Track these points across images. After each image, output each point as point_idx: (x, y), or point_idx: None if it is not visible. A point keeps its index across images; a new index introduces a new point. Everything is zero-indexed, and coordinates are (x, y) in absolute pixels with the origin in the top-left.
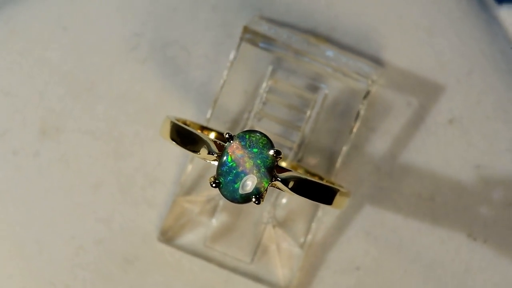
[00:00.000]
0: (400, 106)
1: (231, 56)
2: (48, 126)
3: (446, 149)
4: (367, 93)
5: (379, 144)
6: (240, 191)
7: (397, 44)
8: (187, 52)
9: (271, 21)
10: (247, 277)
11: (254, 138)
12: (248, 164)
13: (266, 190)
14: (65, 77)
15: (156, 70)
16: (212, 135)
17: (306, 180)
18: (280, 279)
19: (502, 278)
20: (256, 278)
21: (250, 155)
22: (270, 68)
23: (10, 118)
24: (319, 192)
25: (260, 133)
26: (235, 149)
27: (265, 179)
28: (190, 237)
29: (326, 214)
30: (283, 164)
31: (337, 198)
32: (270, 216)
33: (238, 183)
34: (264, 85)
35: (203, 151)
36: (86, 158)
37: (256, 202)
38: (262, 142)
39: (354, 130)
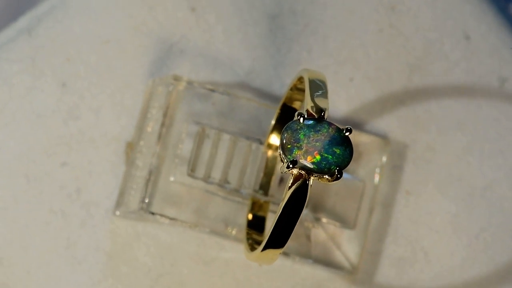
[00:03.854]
0: None
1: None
2: None
3: None
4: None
5: None
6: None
7: None
8: None
9: None
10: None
11: (290, 136)
12: (315, 142)
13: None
14: None
15: None
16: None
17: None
18: None
19: None
20: None
21: (304, 140)
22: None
23: None
24: None
25: (281, 136)
26: (305, 155)
27: (327, 125)
28: None
29: None
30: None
31: None
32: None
33: (337, 150)
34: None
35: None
36: None
37: (349, 132)
38: (290, 132)
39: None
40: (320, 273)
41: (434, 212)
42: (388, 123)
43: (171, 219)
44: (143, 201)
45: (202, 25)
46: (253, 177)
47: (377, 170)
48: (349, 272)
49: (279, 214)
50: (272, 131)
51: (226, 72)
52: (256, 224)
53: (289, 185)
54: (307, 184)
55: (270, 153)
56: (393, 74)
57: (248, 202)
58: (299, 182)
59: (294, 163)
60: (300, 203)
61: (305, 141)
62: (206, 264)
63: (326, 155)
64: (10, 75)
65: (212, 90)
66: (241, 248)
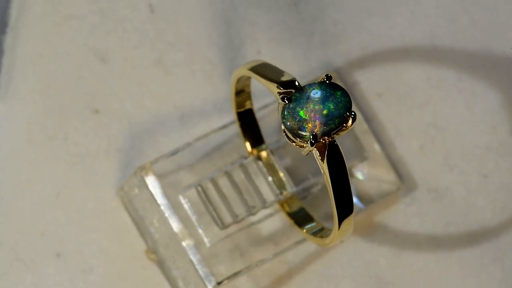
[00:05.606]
0: None
1: None
2: None
3: None
4: None
5: None
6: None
7: None
8: None
9: None
10: None
11: (292, 120)
12: (314, 107)
13: None
14: None
15: None
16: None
17: None
18: None
19: None
20: None
21: (305, 113)
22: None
23: None
24: None
25: (284, 128)
26: (317, 124)
27: (309, 88)
28: None
29: None
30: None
31: None
32: None
33: (335, 98)
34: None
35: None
36: None
37: (330, 78)
38: (289, 117)
39: None
40: (377, 210)
41: (412, 90)
42: (318, 58)
43: (236, 274)
44: (204, 281)
45: (112, 119)
46: (266, 187)
47: None
48: (397, 189)
49: (331, 187)
50: (246, 141)
51: (168, 130)
52: (302, 219)
53: (320, 158)
54: (335, 144)
55: (262, 156)
56: (285, 19)
57: (279, 209)
58: (327, 148)
59: (315, 137)
60: (341, 164)
61: (307, 114)
62: (286, 285)
63: (330, 109)
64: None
65: (175, 152)
66: (305, 249)
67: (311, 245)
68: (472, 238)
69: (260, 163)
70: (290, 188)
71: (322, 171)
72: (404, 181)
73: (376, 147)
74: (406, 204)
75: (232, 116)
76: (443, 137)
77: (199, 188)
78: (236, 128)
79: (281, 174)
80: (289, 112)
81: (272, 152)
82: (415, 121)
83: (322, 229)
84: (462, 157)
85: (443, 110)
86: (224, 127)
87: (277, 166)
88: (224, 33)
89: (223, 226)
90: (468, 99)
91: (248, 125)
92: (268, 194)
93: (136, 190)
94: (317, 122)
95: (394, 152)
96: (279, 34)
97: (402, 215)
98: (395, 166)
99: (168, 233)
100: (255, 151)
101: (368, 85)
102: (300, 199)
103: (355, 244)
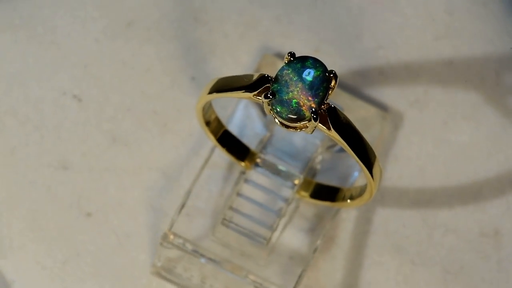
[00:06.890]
0: None
1: None
2: None
3: None
4: None
5: None
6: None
7: None
8: None
9: None
10: None
11: (286, 108)
12: (297, 84)
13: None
14: None
15: None
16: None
17: None
18: None
19: None
20: None
21: (294, 95)
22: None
23: None
24: None
25: (279, 120)
26: (311, 98)
27: (282, 73)
28: None
29: None
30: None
31: None
32: None
33: (309, 68)
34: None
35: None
36: None
37: (294, 55)
38: (282, 108)
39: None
40: (379, 146)
41: (343, 27)
42: (246, 52)
43: (301, 277)
44: None
45: (105, 213)
46: (279, 185)
47: None
48: (384, 119)
49: (349, 147)
50: (237, 158)
51: (160, 192)
52: (328, 193)
53: (326, 129)
54: (333, 107)
55: (258, 162)
56: (195, 36)
57: (299, 198)
58: (328, 115)
59: (315, 112)
60: (345, 121)
61: (295, 96)
62: (343, 256)
63: (310, 79)
64: None
65: (182, 207)
66: (340, 218)
67: (344, 212)
68: (473, 120)
69: (260, 168)
70: (299, 174)
71: (332, 139)
72: (385, 110)
73: (344, 94)
74: (400, 128)
75: (208, 144)
76: (394, 53)
77: (225, 221)
78: (219, 152)
79: (284, 167)
80: (278, 104)
81: (263, 152)
82: (362, 53)
83: (352, 191)
84: (420, 59)
85: (379, 29)
86: (208, 158)
87: (276, 162)
88: (151, 80)
89: (267, 241)
90: (397, 10)
91: (231, 144)
92: (284, 190)
93: (171, 259)
94: (309, 98)
95: (361, 90)
96: (200, 52)
97: (403, 138)
98: (370, 101)
99: (221, 278)
100: (249, 162)
101: (302, 47)
102: (312, 178)
103: (379, 190)
